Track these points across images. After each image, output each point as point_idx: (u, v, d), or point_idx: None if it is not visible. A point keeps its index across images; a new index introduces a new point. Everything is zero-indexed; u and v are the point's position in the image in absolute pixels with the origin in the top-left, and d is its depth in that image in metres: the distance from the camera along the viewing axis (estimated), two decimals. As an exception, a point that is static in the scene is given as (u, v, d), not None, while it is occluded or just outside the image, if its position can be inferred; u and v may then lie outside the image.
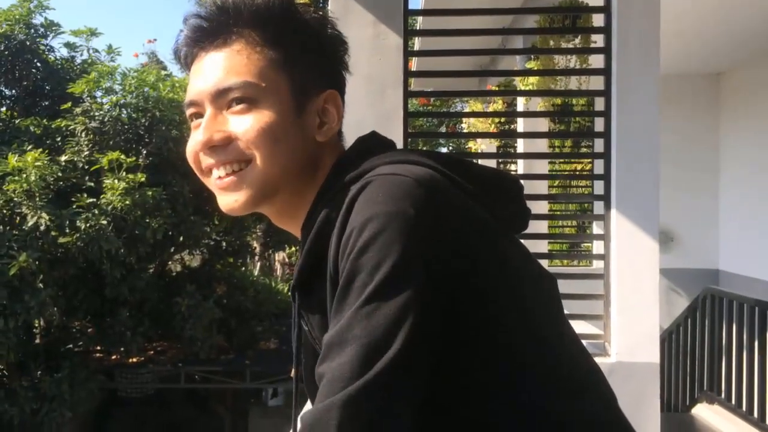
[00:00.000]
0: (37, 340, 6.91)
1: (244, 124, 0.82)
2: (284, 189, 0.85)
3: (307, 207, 0.86)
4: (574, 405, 0.77)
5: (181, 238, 6.53)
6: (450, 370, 0.71)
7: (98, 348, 7.90)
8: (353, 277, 0.68)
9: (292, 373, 1.14)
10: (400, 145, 2.99)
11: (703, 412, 4.86)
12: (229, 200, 0.85)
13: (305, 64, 0.86)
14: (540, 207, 5.53)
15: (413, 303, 0.66)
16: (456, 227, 0.73)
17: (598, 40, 3.26)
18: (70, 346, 7.42)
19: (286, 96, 0.83)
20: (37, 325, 6.74)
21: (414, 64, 6.61)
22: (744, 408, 4.34)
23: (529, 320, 0.77)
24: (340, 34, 0.90)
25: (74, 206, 4.97)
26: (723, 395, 4.66)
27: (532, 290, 0.81)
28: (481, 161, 7.74)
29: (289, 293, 0.87)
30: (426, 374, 0.68)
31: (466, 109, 10.79)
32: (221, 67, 0.83)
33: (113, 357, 7.98)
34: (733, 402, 4.49)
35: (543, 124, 5.97)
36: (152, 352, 8.32)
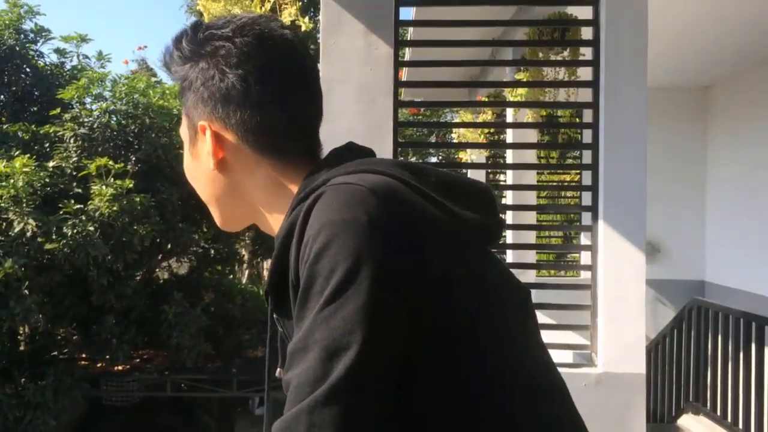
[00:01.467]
0: (22, 347, 6.84)
1: None
2: (229, 213, 0.94)
3: (265, 219, 0.92)
4: (538, 409, 0.79)
5: (169, 246, 6.50)
6: (414, 373, 0.72)
7: (83, 355, 7.83)
8: (311, 283, 0.70)
9: (278, 373, 1.16)
10: (389, 154, 3.00)
11: (688, 422, 4.89)
12: None
13: (188, 101, 0.90)
14: (528, 217, 5.55)
15: (370, 304, 0.67)
16: (412, 234, 0.73)
17: (586, 52, 3.30)
18: (55, 353, 7.35)
19: (186, 136, 0.92)
20: (21, 331, 6.68)
21: (404, 74, 6.64)
22: (729, 419, 4.37)
23: (501, 331, 0.78)
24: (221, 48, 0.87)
25: (61, 212, 4.94)
26: (708, 406, 4.68)
27: (501, 300, 0.82)
28: (470, 171, 7.78)
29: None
30: (391, 374, 0.69)
31: (456, 120, 10.84)
32: None
33: (99, 365, 7.91)
34: (719, 413, 4.51)
35: (532, 135, 6.01)
36: (138, 360, 8.25)
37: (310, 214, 0.74)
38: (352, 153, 0.88)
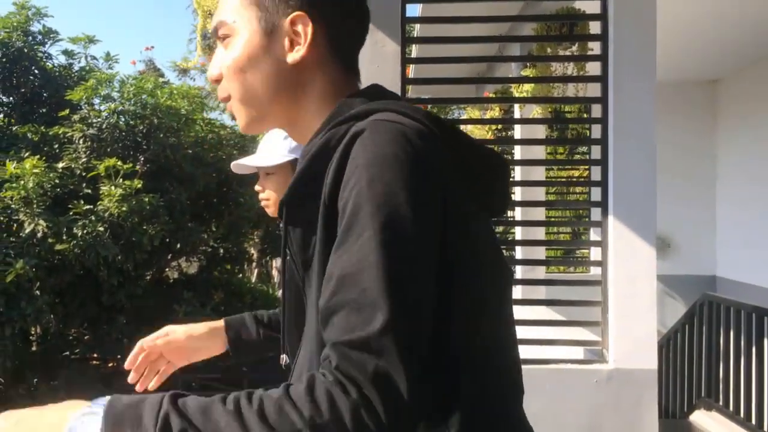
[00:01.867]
0: (34, 348, 6.88)
1: (224, 60, 0.92)
2: (272, 111, 0.92)
3: (305, 124, 0.92)
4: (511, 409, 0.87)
5: (179, 245, 6.51)
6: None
7: (95, 355, 7.86)
8: (358, 210, 0.72)
9: (282, 361, 1.20)
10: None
11: (701, 418, 4.86)
12: (237, 125, 0.97)
13: None
14: (537, 214, 5.53)
15: (420, 232, 0.72)
16: (446, 178, 0.78)
17: (594, 47, 3.28)
18: (67, 353, 7.38)
19: (255, 26, 0.90)
20: (33, 332, 6.71)
21: (411, 71, 6.63)
22: (742, 414, 4.34)
23: (482, 308, 0.83)
24: None
25: (71, 213, 4.96)
26: (721, 402, 4.65)
27: (491, 278, 0.86)
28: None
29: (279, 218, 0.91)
30: (432, 305, 0.73)
31: (464, 116, 10.81)
32: (218, 6, 0.95)
33: (110, 364, 7.94)
34: (731, 408, 4.48)
35: (540, 131, 5.98)
36: (149, 360, 8.28)
37: (356, 140, 0.76)
38: (386, 94, 0.92)
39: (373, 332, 0.66)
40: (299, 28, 0.88)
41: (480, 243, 0.84)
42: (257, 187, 1.78)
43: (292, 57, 0.89)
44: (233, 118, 0.97)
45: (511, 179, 0.99)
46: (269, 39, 0.89)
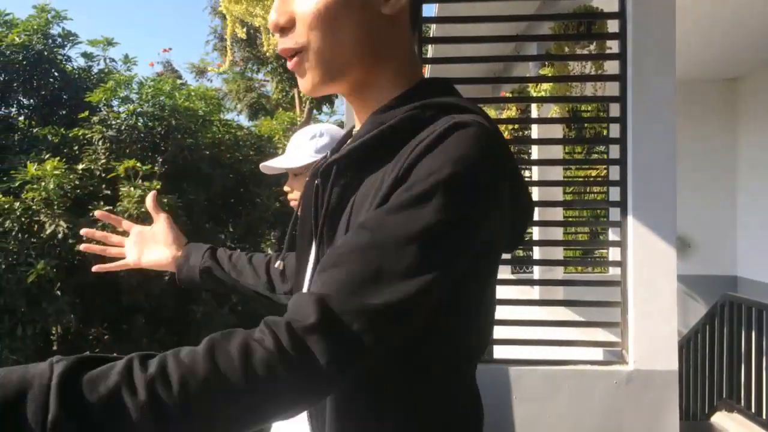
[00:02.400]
0: (55, 347, 6.96)
1: (303, 4, 0.80)
2: (353, 68, 0.83)
3: (378, 89, 0.85)
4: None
5: (197, 246, 6.57)
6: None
7: (115, 354, 7.95)
8: (426, 194, 0.69)
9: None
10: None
11: (722, 420, 4.80)
12: (301, 84, 0.85)
13: None
14: (555, 214, 5.50)
15: (463, 251, 0.72)
16: (513, 185, 0.79)
17: (613, 46, 3.25)
18: (87, 352, 7.47)
19: None
20: (54, 332, 6.79)
21: (427, 71, 6.61)
22: (764, 416, 4.28)
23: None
24: None
25: (91, 214, 5.02)
26: (743, 403, 4.60)
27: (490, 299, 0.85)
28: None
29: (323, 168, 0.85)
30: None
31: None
32: None
33: (129, 364, 8.02)
34: (753, 410, 4.43)
35: (557, 131, 5.95)
36: (168, 359, 8.35)
37: (455, 132, 0.73)
38: (460, 95, 0.88)
39: (357, 308, 0.65)
40: None
41: (490, 282, 0.83)
42: (286, 188, 1.82)
43: (391, 7, 0.82)
44: (299, 75, 0.84)
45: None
46: None
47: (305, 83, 0.84)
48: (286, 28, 0.82)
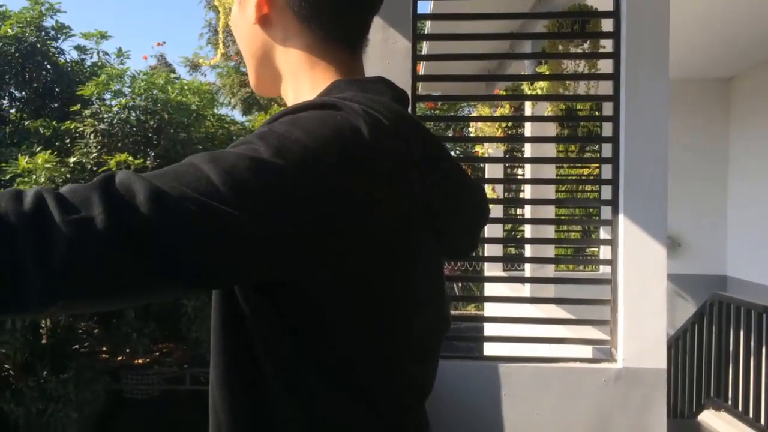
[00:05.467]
0: (44, 341, 6.94)
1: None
2: (262, 77, 0.88)
3: (302, 96, 0.84)
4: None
5: (188, 240, 6.56)
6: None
7: (104, 349, 7.92)
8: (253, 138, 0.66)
9: None
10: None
11: (709, 418, 4.84)
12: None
13: None
14: (547, 212, 5.52)
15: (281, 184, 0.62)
16: (366, 208, 0.68)
17: (607, 44, 3.26)
18: (77, 346, 7.44)
19: None
20: (43, 325, 6.77)
21: (422, 68, 6.61)
22: (751, 415, 4.32)
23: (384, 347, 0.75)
24: None
25: (82, 207, 5.01)
26: (730, 402, 4.63)
27: (410, 316, 0.77)
28: (488, 166, 7.74)
29: None
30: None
31: (474, 114, 10.78)
32: None
33: (119, 358, 8.00)
34: (740, 409, 4.46)
35: (551, 129, 5.97)
36: (158, 354, 8.34)
37: (309, 109, 0.71)
38: (389, 88, 0.83)
39: (144, 182, 0.59)
40: None
41: (402, 283, 0.74)
42: None
43: (253, 17, 0.83)
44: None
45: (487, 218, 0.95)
46: (242, 3, 0.86)
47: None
48: None
